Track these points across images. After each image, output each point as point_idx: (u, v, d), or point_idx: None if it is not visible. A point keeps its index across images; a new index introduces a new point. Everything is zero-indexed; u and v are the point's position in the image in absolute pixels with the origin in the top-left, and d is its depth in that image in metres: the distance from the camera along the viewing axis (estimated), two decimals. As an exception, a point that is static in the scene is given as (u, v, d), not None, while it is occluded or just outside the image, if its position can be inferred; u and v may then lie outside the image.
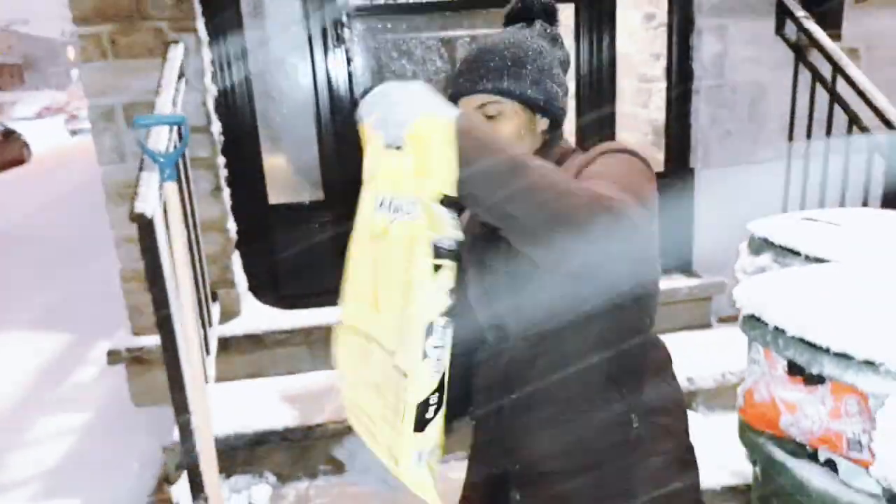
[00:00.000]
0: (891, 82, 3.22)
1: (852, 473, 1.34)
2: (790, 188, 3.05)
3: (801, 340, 1.30)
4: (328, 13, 3.03)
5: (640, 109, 3.73)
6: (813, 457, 1.41)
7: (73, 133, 22.41)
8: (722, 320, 3.33)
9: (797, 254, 1.81)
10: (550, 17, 1.32)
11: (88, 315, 5.19)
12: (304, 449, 2.60)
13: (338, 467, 2.62)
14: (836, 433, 1.32)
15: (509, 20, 1.33)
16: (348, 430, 2.39)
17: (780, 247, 1.87)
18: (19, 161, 16.52)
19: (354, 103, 3.16)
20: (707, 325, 3.33)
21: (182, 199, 2.27)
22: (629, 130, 3.74)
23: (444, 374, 0.96)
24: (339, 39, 3.06)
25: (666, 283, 3.23)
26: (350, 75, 3.11)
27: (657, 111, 3.39)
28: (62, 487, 3.09)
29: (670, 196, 3.27)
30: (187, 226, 2.34)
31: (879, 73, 3.21)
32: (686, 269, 3.37)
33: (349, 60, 3.09)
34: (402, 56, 3.22)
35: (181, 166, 2.40)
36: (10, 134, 16.58)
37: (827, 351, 1.25)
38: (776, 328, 1.36)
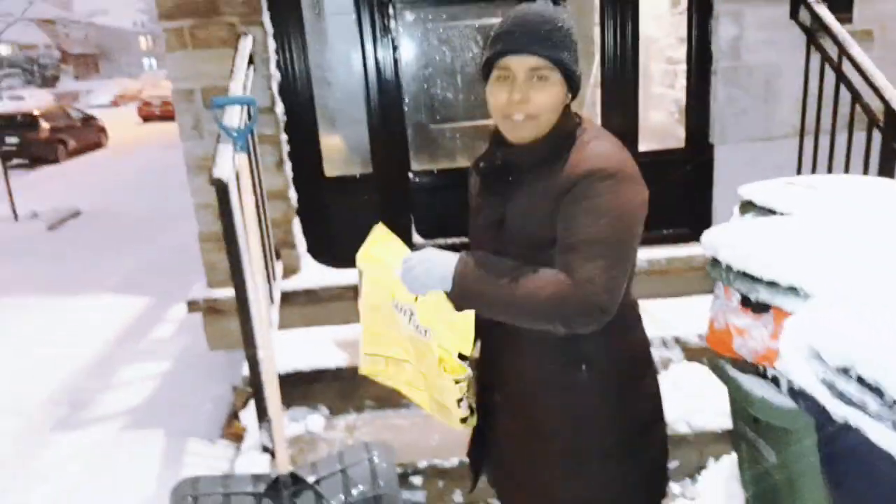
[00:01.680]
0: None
1: (792, 386, 1.63)
2: (803, 161, 3.27)
3: (744, 273, 1.60)
4: (377, 5, 3.38)
5: (667, 90, 3.97)
6: (761, 374, 1.71)
7: (146, 119, 23.48)
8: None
9: (773, 212, 2.08)
10: None
11: (164, 281, 5.72)
12: (352, 386, 2.97)
13: (381, 403, 3.01)
14: (774, 350, 1.61)
15: None
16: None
17: (761, 207, 2.13)
18: (97, 145, 17.56)
19: (400, 87, 3.51)
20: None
21: (251, 170, 2.65)
22: (657, 110, 3.99)
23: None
24: (386, 29, 3.41)
25: (685, 251, 3.48)
26: (396, 62, 3.45)
27: (682, 91, 3.63)
28: (146, 421, 3.56)
29: (690, 169, 3.54)
30: (255, 193, 2.72)
31: (894, 52, 3.39)
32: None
33: (395, 48, 3.44)
34: (442, 44, 3.56)
35: (250, 141, 2.79)
36: (88, 120, 17.60)
37: (760, 280, 1.55)
38: (727, 266, 1.66)
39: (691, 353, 3.00)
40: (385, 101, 3.49)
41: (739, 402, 1.75)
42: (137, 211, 9.22)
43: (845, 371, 1.25)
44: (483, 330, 1.39)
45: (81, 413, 3.74)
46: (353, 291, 3.38)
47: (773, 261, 1.54)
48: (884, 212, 1.82)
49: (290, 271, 3.44)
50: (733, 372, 1.73)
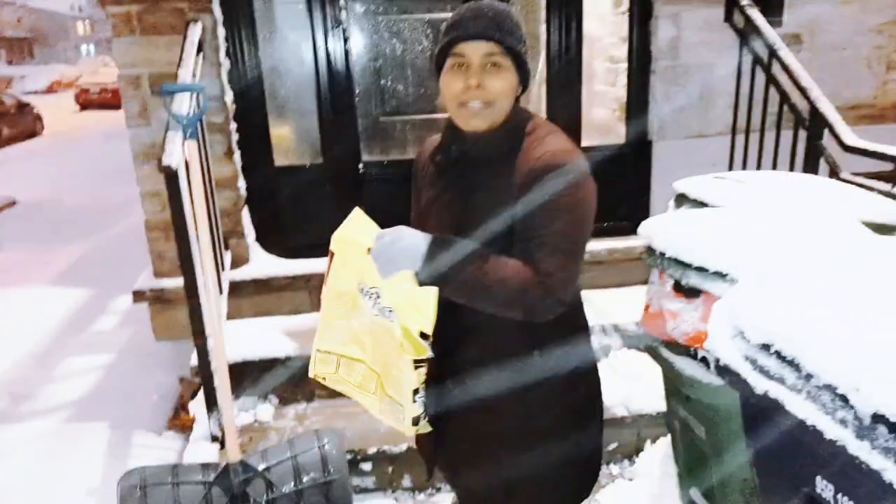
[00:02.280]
0: (833, 65, 3.60)
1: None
2: (735, 158, 3.44)
3: (676, 260, 1.71)
4: (328, -3, 3.40)
5: (609, 88, 4.10)
6: (692, 355, 1.82)
7: (84, 107, 22.73)
8: (676, 277, 3.72)
9: (705, 204, 2.20)
10: None
11: (106, 272, 5.60)
12: (303, 376, 2.96)
13: (330, 391, 3.03)
14: (704, 332, 1.73)
15: None
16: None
17: (694, 200, 2.26)
18: (33, 133, 16.91)
19: (350, 78, 3.54)
20: (663, 281, 3.72)
21: (200, 158, 2.66)
22: (600, 107, 4.12)
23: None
24: (337, 20, 3.43)
25: (623, 243, 3.62)
26: (347, 53, 3.47)
27: (623, 89, 3.76)
28: (90, 413, 3.49)
29: (630, 165, 3.68)
30: (204, 181, 2.72)
31: (823, 56, 3.58)
32: (643, 231, 3.76)
33: (346, 40, 3.46)
34: (392, 36, 3.60)
35: (199, 130, 2.79)
36: (23, 107, 16.93)
37: (691, 266, 1.66)
38: (661, 253, 1.77)
39: (630, 340, 3.13)
40: (336, 92, 3.50)
41: (672, 381, 1.86)
42: (77, 201, 8.96)
43: (766, 348, 1.36)
44: (438, 319, 1.39)
45: (23, 405, 3.66)
46: (302, 281, 3.44)
47: (703, 248, 1.65)
48: (806, 204, 1.96)
49: (239, 261, 3.44)
50: (667, 353, 1.84)
